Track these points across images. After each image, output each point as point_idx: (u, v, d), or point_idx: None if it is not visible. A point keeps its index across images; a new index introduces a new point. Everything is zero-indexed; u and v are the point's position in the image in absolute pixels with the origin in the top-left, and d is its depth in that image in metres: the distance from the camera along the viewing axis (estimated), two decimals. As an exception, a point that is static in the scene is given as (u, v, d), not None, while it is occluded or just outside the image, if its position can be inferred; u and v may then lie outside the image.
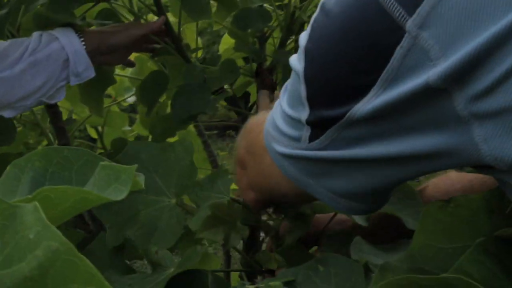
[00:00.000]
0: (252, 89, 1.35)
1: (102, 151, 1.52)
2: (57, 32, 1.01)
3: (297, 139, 0.57)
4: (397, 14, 0.46)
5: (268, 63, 1.13)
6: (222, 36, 1.55)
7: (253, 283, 0.87)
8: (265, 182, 0.69)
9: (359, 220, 0.78)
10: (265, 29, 1.10)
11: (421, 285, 0.49)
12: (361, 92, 0.50)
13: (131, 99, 1.62)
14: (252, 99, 1.47)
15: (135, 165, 0.47)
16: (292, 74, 0.57)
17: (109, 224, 0.88)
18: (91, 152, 0.54)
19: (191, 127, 1.42)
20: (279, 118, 0.60)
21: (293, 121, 0.57)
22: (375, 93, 0.49)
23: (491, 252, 0.52)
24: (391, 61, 0.47)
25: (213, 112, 1.05)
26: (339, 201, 0.60)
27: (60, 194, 0.43)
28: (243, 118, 1.12)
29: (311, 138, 0.56)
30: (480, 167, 0.51)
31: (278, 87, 1.13)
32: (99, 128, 1.58)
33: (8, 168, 0.53)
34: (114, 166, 0.47)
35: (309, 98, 0.54)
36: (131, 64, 1.16)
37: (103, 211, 0.90)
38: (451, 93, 0.46)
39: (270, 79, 1.08)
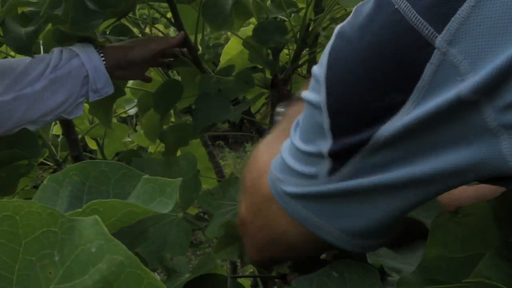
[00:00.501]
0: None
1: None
2: (77, 48, 1.01)
3: (313, 176, 0.57)
4: (426, 32, 0.47)
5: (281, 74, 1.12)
6: (212, 47, 1.55)
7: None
8: (270, 234, 0.65)
9: None
10: (279, 40, 1.10)
11: (440, 294, 0.50)
12: (390, 111, 0.50)
13: (132, 111, 1.60)
14: (254, 109, 1.46)
15: (180, 179, 0.47)
16: (306, 110, 0.57)
17: None
18: (127, 166, 0.54)
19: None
20: (289, 158, 0.59)
21: (309, 157, 0.57)
22: (406, 110, 0.49)
23: (506, 257, 0.53)
24: (421, 78, 0.48)
25: (236, 120, 1.04)
26: (352, 242, 0.59)
27: (108, 208, 0.44)
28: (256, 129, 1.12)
29: (331, 171, 0.55)
30: (498, 180, 0.52)
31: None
32: (99, 140, 1.57)
33: (45, 182, 0.53)
34: (158, 179, 0.48)
35: (333, 127, 0.54)
36: (147, 80, 1.15)
37: (110, 231, 0.89)
38: (481, 105, 0.47)
39: (286, 89, 1.08)
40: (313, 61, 1.16)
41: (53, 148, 1.39)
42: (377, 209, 0.56)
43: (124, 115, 1.80)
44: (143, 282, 0.34)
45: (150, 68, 1.29)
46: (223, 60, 1.36)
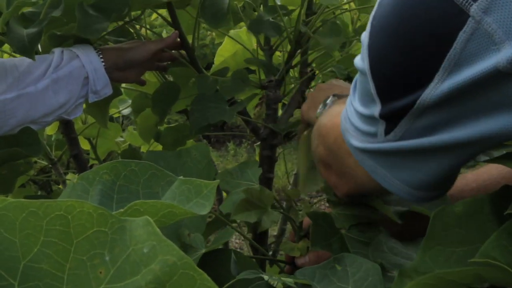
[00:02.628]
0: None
1: (96, 162, 1.52)
2: (77, 50, 1.02)
3: (373, 134, 0.60)
4: (461, 0, 0.47)
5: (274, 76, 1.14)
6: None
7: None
8: (352, 180, 0.71)
9: (394, 217, 0.79)
10: (272, 42, 1.12)
11: (447, 280, 0.51)
12: (427, 78, 0.51)
13: (126, 111, 1.60)
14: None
15: (217, 181, 0.48)
16: (359, 76, 0.60)
17: None
18: (156, 166, 0.55)
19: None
20: (354, 117, 0.63)
21: (368, 118, 0.60)
22: (440, 78, 0.50)
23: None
24: (453, 46, 0.48)
25: (231, 121, 1.06)
26: (413, 193, 0.62)
27: (149, 208, 0.44)
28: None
29: (387, 131, 0.58)
30: None
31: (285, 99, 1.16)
32: (92, 140, 1.57)
33: (75, 180, 0.54)
34: (194, 180, 0.48)
35: (379, 93, 0.56)
36: (142, 83, 1.17)
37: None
38: None
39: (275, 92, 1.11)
40: (305, 62, 1.18)
41: (47, 148, 1.39)
42: (430, 166, 0.58)
43: (117, 115, 1.80)
44: (196, 283, 0.34)
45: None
46: (217, 61, 1.37)
